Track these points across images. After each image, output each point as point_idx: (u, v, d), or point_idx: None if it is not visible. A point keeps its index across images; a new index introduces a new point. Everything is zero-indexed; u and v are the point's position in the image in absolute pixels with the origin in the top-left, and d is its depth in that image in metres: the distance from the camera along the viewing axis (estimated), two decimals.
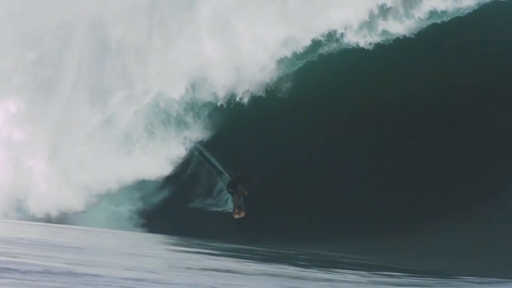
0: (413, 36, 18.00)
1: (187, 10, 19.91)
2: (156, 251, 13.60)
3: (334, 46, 18.64)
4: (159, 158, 19.92)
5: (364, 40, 18.31)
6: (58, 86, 20.96)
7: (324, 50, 18.73)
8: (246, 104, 19.32)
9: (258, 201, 19.09)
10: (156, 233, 19.44)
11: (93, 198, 20.24)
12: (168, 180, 20.18)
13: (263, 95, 19.20)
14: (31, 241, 12.93)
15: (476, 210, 17.19)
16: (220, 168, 20.28)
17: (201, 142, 20.07)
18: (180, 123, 20.05)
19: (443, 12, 17.91)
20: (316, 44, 18.71)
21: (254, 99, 19.28)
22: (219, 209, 19.97)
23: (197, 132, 20.03)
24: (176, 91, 19.81)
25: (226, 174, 20.05)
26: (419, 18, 17.97)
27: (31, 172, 20.88)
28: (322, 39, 18.63)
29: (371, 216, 18.06)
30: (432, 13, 17.95)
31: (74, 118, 20.71)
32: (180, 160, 19.92)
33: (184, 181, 20.49)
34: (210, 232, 19.28)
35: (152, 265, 10.68)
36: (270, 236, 18.50)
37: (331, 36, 18.59)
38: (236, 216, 19.04)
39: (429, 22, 17.93)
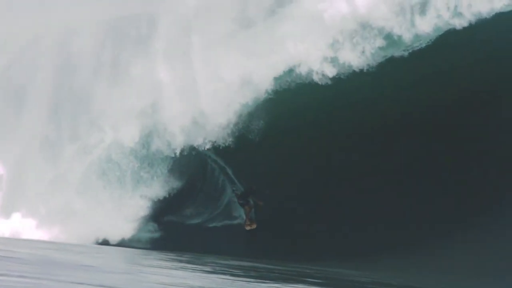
0: (373, 69, 17.65)
1: (141, 48, 19.14)
2: (166, 270, 13.40)
3: (291, 80, 18.09)
4: (117, 219, 18.70)
5: (324, 72, 17.75)
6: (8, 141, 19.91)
7: (283, 85, 18.14)
8: (209, 149, 18.56)
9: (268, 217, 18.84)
10: (167, 250, 19.10)
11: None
12: (178, 197, 19.80)
13: (225, 139, 18.45)
14: (41, 259, 12.83)
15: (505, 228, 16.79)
16: (234, 179, 19.85)
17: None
18: (137, 179, 19.02)
19: (399, 38, 17.52)
20: (276, 79, 18.11)
21: (216, 146, 18.55)
22: (231, 222, 19.58)
23: (156, 189, 18.91)
24: (130, 139, 18.78)
25: (238, 185, 19.63)
26: (378, 47, 17.48)
27: None
28: (282, 74, 18.05)
29: (386, 233, 17.75)
30: (388, 38, 17.52)
31: (28, 175, 19.64)
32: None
33: (194, 197, 20.03)
34: (223, 249, 18.94)
35: (161, 284, 10.48)
36: (282, 253, 18.21)
37: (290, 70, 18.03)
38: (248, 228, 18.67)
39: (388, 54, 17.61)
